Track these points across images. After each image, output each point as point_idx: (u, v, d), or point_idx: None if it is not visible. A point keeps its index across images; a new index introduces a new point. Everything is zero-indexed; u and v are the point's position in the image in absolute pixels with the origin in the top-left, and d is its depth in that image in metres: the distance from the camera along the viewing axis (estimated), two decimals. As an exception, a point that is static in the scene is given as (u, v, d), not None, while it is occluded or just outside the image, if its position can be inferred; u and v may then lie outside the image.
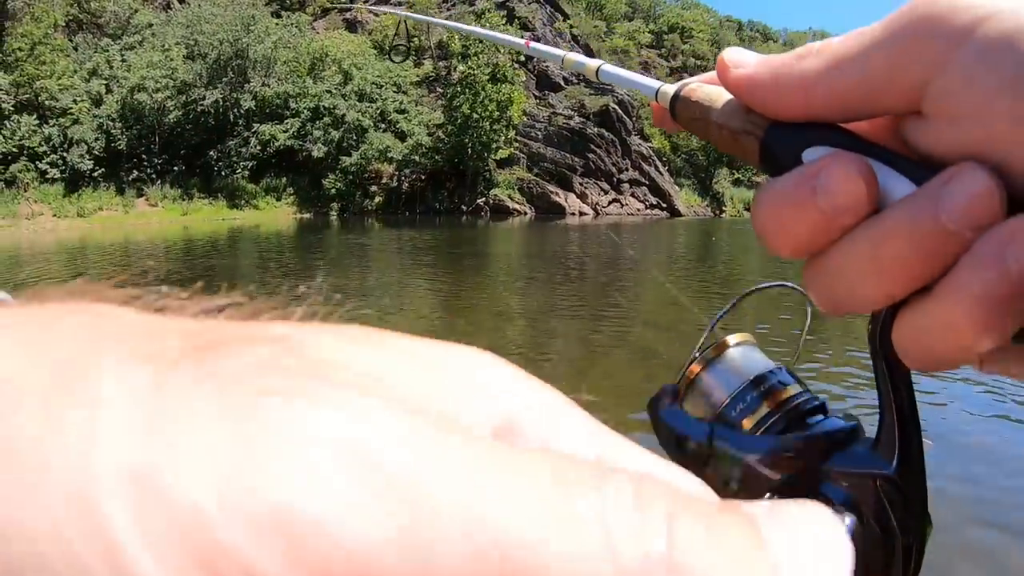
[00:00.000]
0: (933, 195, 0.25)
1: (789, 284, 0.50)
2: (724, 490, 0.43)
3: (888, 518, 0.36)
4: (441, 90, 43.62)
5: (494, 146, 38.48)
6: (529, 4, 49.31)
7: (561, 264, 14.53)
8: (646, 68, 67.55)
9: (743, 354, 0.50)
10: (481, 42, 38.74)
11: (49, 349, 0.15)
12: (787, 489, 0.39)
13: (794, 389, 0.46)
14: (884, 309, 0.31)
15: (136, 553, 0.13)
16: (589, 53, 51.32)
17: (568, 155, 41.87)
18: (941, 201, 0.24)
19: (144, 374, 0.15)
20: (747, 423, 0.45)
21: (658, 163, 50.40)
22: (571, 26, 52.91)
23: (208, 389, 0.14)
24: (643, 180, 47.58)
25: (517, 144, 40.63)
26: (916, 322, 0.27)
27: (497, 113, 37.98)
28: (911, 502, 0.37)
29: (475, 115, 37.47)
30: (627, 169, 46.16)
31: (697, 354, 0.51)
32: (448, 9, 49.38)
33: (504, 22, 41.99)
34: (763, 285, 0.59)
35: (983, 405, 5.46)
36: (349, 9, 51.40)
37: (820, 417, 0.44)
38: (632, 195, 46.18)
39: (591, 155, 42.72)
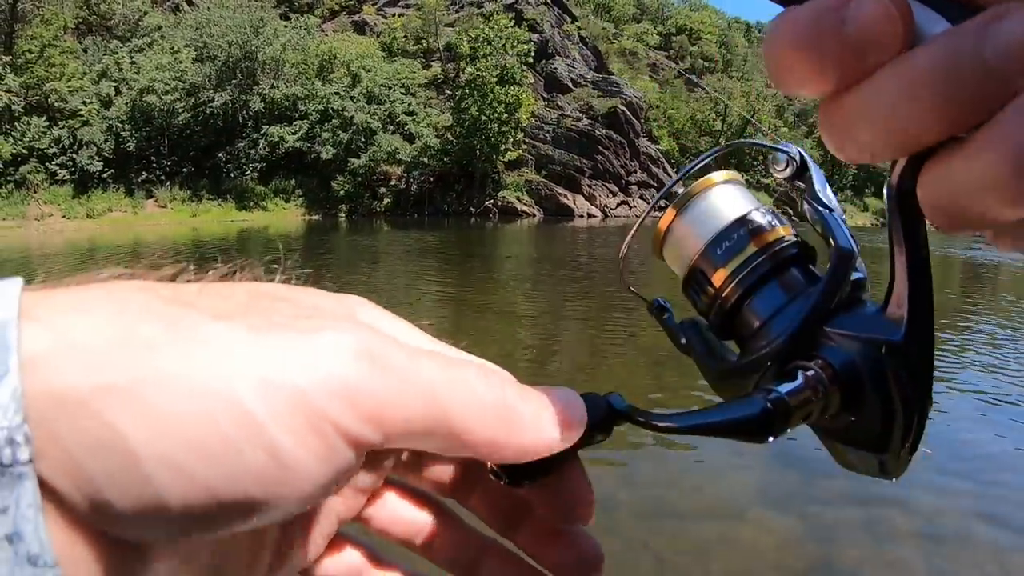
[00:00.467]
0: (979, 32, 0.23)
1: (789, 146, 0.45)
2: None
3: (890, 390, 0.34)
4: (449, 92, 43.60)
5: (502, 148, 38.45)
6: (537, 6, 49.23)
7: (569, 266, 14.49)
8: (654, 70, 67.44)
9: (730, 192, 0.45)
10: (489, 43, 38.75)
11: (146, 309, 0.23)
12: (784, 351, 0.37)
13: (785, 231, 0.43)
14: (908, 157, 0.29)
15: (268, 422, 0.22)
16: (597, 55, 51.12)
17: (576, 157, 41.81)
18: (989, 39, 0.22)
19: (236, 323, 0.24)
20: (729, 266, 0.42)
21: (666, 165, 50.26)
22: (579, 28, 52.79)
23: (281, 330, 0.24)
24: (651, 182, 47.45)
25: (525, 146, 40.59)
26: (947, 174, 0.25)
27: (505, 115, 37.94)
28: (916, 374, 0.34)
29: (483, 117, 37.44)
30: (635, 171, 46.05)
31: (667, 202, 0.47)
32: (456, 11, 49.39)
33: (512, 24, 41.93)
34: (755, 142, 0.52)
35: (984, 412, 5.42)
36: (358, 11, 51.51)
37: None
38: (641, 197, 46.05)
39: (599, 157, 42.64)
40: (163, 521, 0.22)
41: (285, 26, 42.32)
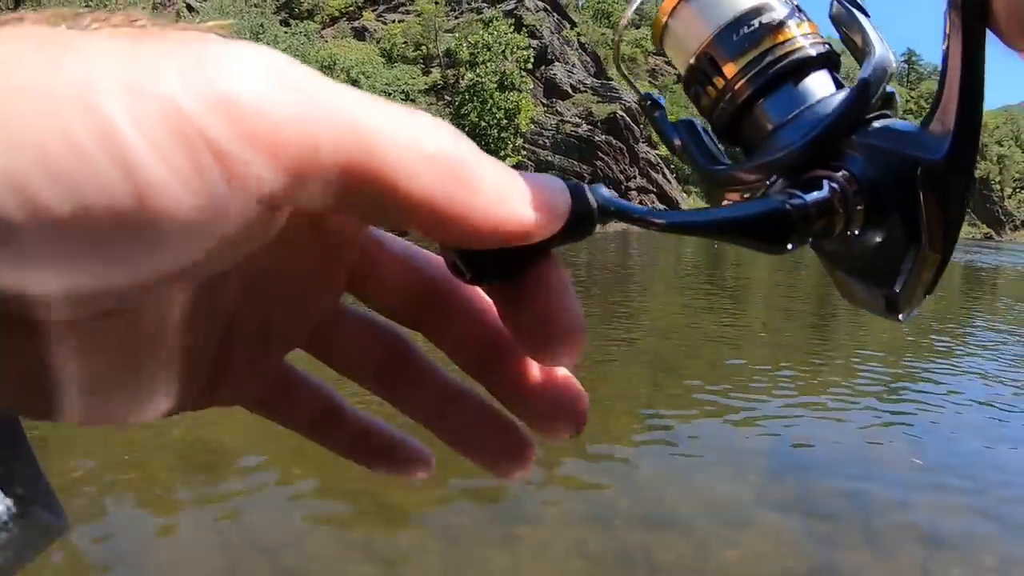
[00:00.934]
0: None
1: None
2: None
3: (918, 216, 0.31)
4: (449, 98, 43.74)
5: (502, 154, 38.54)
6: (537, 12, 49.39)
7: (570, 271, 14.53)
8: (653, 75, 67.57)
9: None
10: (489, 49, 38.88)
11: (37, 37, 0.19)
12: (803, 158, 0.33)
13: (812, 28, 0.37)
14: None
15: (126, 130, 0.17)
16: (596, 60, 51.30)
17: (576, 163, 41.92)
18: None
19: (120, 38, 0.19)
20: (744, 58, 0.36)
21: (666, 171, 50.38)
22: (579, 34, 52.95)
23: (170, 41, 0.19)
24: (651, 188, 47.57)
25: (525, 152, 40.70)
26: None
27: (505, 121, 38.09)
28: (949, 204, 0.30)
29: (483, 123, 37.58)
30: (635, 177, 46.18)
31: None
32: (456, 17, 49.53)
33: (512, 30, 42.07)
34: None
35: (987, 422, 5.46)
36: (358, 17, 51.59)
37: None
38: (640, 203, 46.01)
39: (599, 163, 42.75)
40: (10, 268, 0.17)
41: (285, 32, 42.49)
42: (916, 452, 4.65)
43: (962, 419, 5.39)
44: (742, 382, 6.10)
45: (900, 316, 0.33)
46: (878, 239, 0.33)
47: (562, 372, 0.28)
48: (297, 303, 0.27)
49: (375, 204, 0.20)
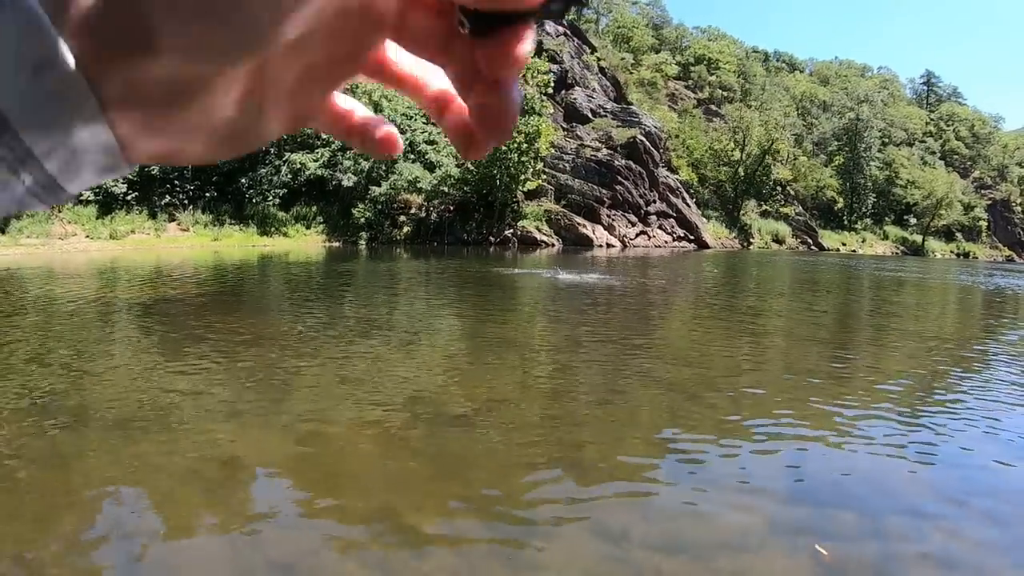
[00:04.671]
0: None
1: None
2: None
3: None
4: (469, 121, 43.89)
5: (522, 178, 38.65)
6: (557, 37, 49.71)
7: (588, 296, 14.55)
8: (673, 99, 67.69)
9: None
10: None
11: None
12: None
13: None
14: None
15: None
16: (616, 85, 51.38)
17: (596, 187, 41.99)
18: None
19: None
20: None
21: (685, 195, 50.36)
22: (599, 59, 53.21)
23: None
24: (670, 212, 47.56)
25: (545, 176, 40.77)
26: None
27: (525, 145, 38.17)
28: None
29: (503, 147, 37.69)
30: (654, 201, 46.19)
31: None
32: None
33: (532, 54, 42.28)
34: None
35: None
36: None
37: None
38: (660, 227, 46.14)
39: (619, 187, 42.81)
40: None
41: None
42: (933, 481, 4.64)
43: (980, 447, 5.36)
44: (758, 409, 6.10)
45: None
46: None
47: (512, 85, 0.35)
48: (349, 54, 0.35)
49: None
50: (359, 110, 0.41)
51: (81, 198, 34.55)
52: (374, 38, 0.35)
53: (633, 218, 43.79)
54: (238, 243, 33.34)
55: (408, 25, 0.35)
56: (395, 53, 0.39)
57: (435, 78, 0.40)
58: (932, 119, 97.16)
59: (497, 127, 0.36)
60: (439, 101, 0.40)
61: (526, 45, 0.33)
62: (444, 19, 0.34)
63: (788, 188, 69.26)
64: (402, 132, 39.24)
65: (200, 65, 0.27)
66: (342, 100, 0.41)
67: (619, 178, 43.00)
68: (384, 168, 38.06)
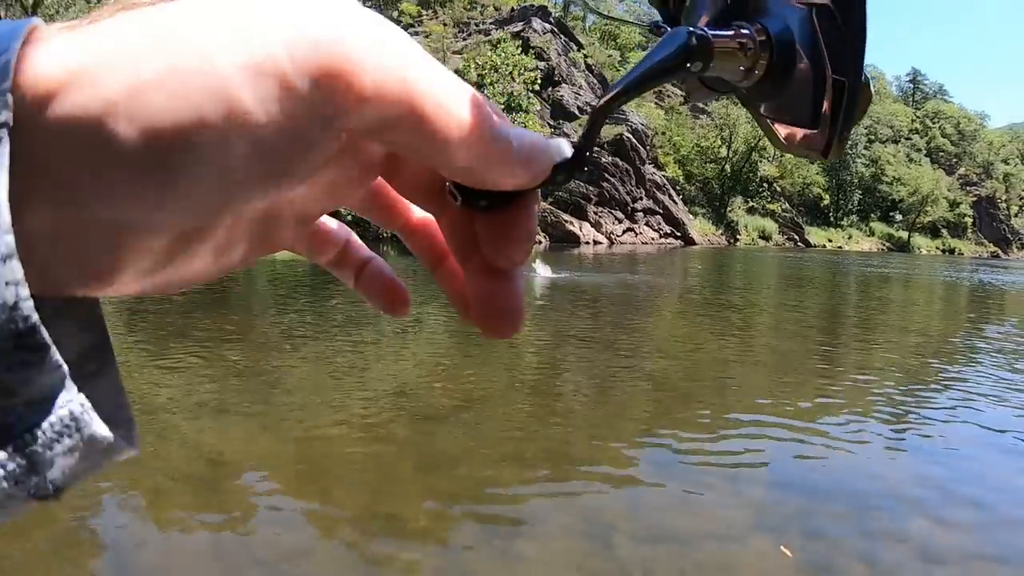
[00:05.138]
0: None
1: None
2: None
3: (820, 52, 0.34)
4: (456, 119, 43.79)
5: (509, 174, 38.56)
6: (544, 34, 49.66)
7: (573, 292, 14.56)
8: (659, 96, 67.74)
9: None
10: (496, 70, 39.05)
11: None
12: (725, 10, 0.37)
13: None
14: None
15: (234, 79, 0.22)
16: (603, 82, 51.39)
17: (582, 184, 41.98)
18: None
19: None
20: None
21: (672, 192, 50.43)
22: (586, 56, 53.18)
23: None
24: (657, 209, 47.60)
25: (531, 172, 40.69)
26: None
27: (512, 142, 38.15)
28: (849, 37, 0.33)
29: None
30: (641, 198, 46.22)
31: None
32: (464, 39, 49.80)
33: (519, 52, 42.26)
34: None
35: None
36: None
37: None
38: (647, 224, 46.19)
39: (605, 184, 42.82)
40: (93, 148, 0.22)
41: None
42: (917, 474, 4.66)
43: (965, 442, 5.39)
44: (744, 404, 6.11)
45: (828, 158, 0.36)
46: (794, 84, 0.36)
47: (516, 276, 0.33)
48: (331, 194, 0.34)
49: (415, 153, 0.27)
50: (352, 238, 0.40)
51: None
52: (364, 178, 0.34)
53: (620, 215, 43.81)
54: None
55: (399, 168, 0.34)
56: (384, 186, 0.37)
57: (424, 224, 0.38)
58: (918, 116, 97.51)
59: (491, 322, 0.33)
60: (425, 231, 0.38)
61: (529, 224, 0.31)
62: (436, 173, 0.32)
63: (775, 185, 69.44)
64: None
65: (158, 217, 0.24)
66: (329, 224, 0.40)
67: (606, 175, 43.00)
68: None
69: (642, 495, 4.08)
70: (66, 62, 0.22)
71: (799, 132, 0.37)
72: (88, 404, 0.24)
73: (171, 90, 0.22)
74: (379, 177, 0.35)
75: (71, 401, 0.23)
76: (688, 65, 0.33)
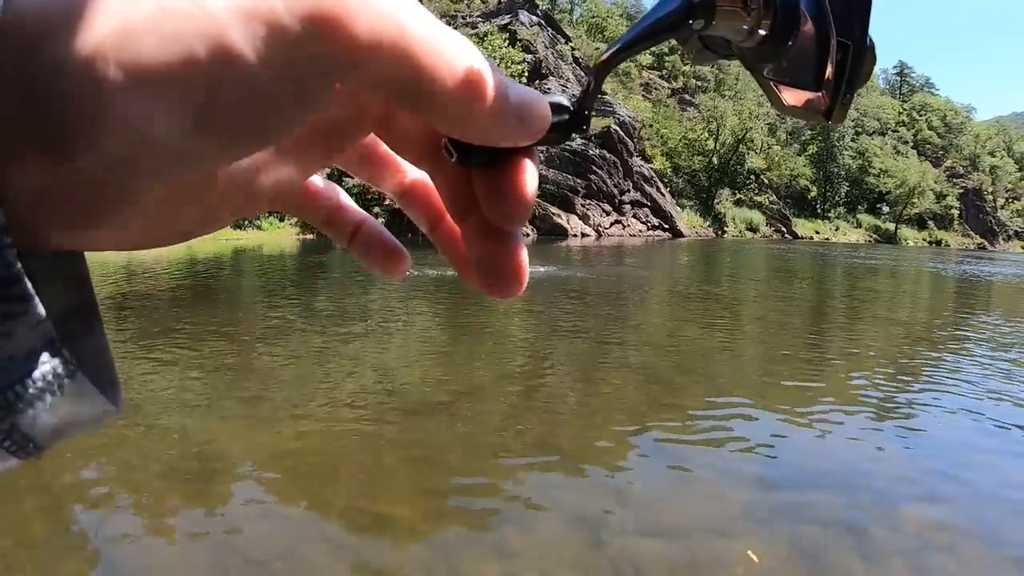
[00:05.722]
0: None
1: None
2: None
3: (825, 14, 0.34)
4: (444, 112, 43.70)
5: (496, 167, 38.54)
6: (531, 27, 49.56)
7: (563, 284, 14.56)
8: (647, 89, 67.81)
9: None
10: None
11: None
12: None
13: None
14: None
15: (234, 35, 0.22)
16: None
17: (570, 177, 41.96)
18: None
19: None
20: None
21: (660, 184, 50.50)
22: (573, 48, 53.14)
23: None
24: (645, 201, 47.67)
25: (519, 165, 40.68)
26: None
27: (499, 135, 38.12)
28: (855, 0, 0.34)
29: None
30: (629, 190, 46.27)
31: None
32: (451, 31, 49.62)
33: (506, 44, 42.20)
34: None
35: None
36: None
37: None
38: (634, 216, 46.25)
39: (593, 176, 42.82)
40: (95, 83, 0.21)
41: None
42: (910, 464, 4.68)
43: (953, 432, 5.42)
44: (735, 396, 6.13)
45: (831, 123, 0.36)
46: (793, 45, 0.35)
47: (516, 237, 0.33)
48: (323, 148, 0.32)
49: (410, 103, 0.26)
50: (343, 198, 0.39)
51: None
52: (356, 133, 0.33)
53: (607, 207, 43.83)
54: (211, 237, 33.04)
55: (394, 124, 0.33)
56: (377, 144, 0.37)
57: (418, 172, 0.37)
58: (905, 109, 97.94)
59: (496, 284, 0.32)
60: (420, 191, 0.37)
61: (527, 185, 0.31)
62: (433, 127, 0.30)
63: (762, 177, 69.60)
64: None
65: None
66: (320, 183, 0.39)
67: (593, 168, 43.01)
68: (358, 160, 37.79)
69: (632, 487, 4.08)
70: (54, 4, 0.21)
71: (802, 95, 0.37)
72: (73, 361, 0.24)
73: (162, 32, 0.21)
74: (372, 133, 0.34)
75: (55, 358, 0.23)
76: (690, 21, 0.33)
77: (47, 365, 0.23)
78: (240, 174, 0.30)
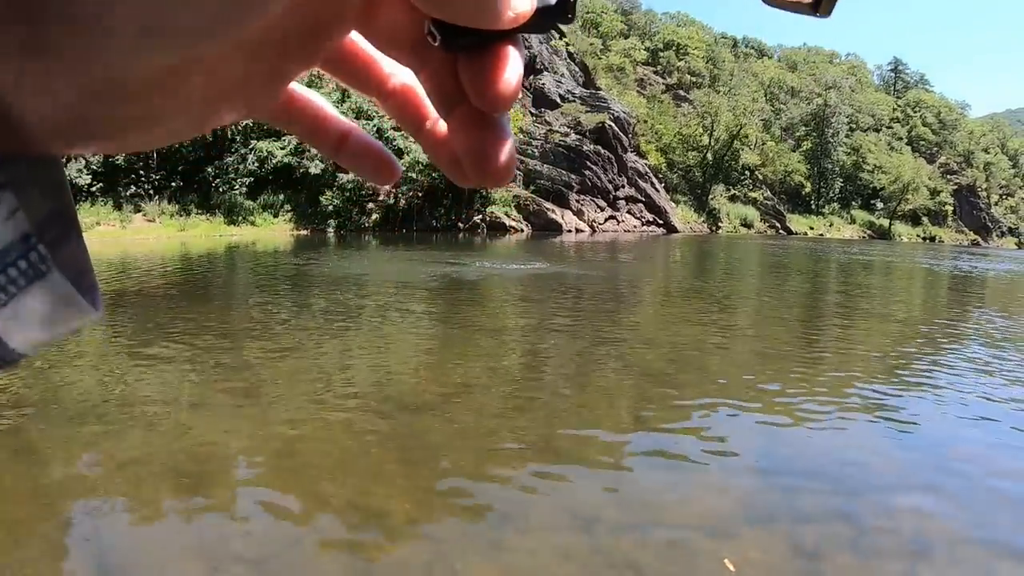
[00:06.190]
0: None
1: None
2: None
3: None
4: (438, 107, 43.65)
5: (491, 163, 38.50)
6: (526, 22, 49.50)
7: (557, 280, 14.56)
8: (642, 85, 67.78)
9: None
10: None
11: None
12: None
13: None
14: None
15: None
16: (585, 70, 51.35)
17: (565, 172, 41.98)
18: None
19: None
20: None
21: (654, 180, 50.52)
22: (567, 44, 53.09)
23: None
24: (639, 197, 47.70)
25: (514, 161, 40.66)
26: None
27: (494, 130, 38.08)
28: None
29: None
30: (623, 186, 46.29)
31: None
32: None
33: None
34: None
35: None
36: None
37: None
38: (629, 212, 46.28)
39: (587, 172, 42.84)
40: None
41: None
42: (900, 455, 4.69)
43: (947, 426, 5.44)
44: (729, 392, 6.13)
45: (819, 11, 0.34)
46: None
47: (502, 124, 0.32)
48: (306, 44, 0.31)
49: None
50: (328, 108, 0.39)
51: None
52: (338, 27, 0.31)
53: (602, 203, 43.86)
54: (205, 233, 32.99)
55: (376, 16, 0.32)
56: (359, 44, 0.36)
57: (403, 73, 0.37)
58: (899, 105, 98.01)
59: (487, 171, 0.32)
60: (404, 94, 0.36)
61: (512, 69, 0.30)
62: (417, 16, 0.30)
63: (756, 173, 69.65)
64: (368, 118, 39.19)
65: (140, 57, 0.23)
66: (303, 92, 0.38)
67: (588, 163, 43.03)
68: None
69: (627, 483, 4.08)
70: None
71: None
72: (49, 257, 0.23)
73: None
74: (354, 30, 0.33)
75: (32, 251, 0.23)
76: None
77: (23, 261, 0.22)
78: (220, 70, 0.28)
